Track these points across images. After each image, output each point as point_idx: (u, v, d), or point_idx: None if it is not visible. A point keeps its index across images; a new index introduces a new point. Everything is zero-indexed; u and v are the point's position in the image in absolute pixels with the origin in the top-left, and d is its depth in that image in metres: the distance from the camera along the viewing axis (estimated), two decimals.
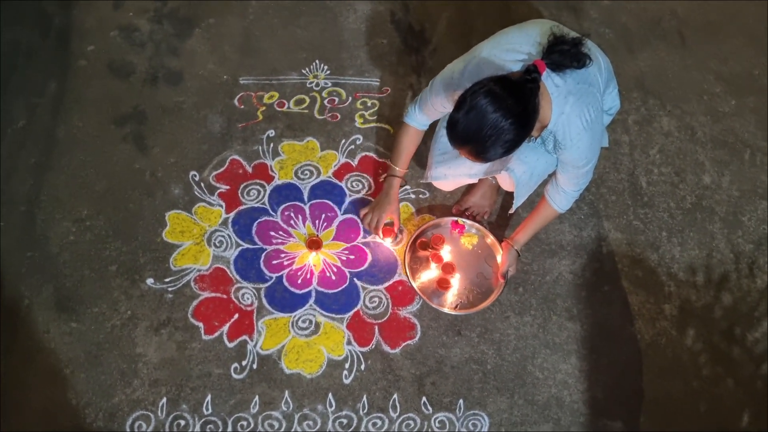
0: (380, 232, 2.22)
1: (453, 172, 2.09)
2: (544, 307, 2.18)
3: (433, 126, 2.12)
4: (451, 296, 2.19)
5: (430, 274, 2.22)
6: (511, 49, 1.74)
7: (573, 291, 2.21)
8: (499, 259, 2.20)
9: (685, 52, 2.80)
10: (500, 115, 1.54)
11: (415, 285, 2.17)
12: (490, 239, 2.26)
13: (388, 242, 2.26)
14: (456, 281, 2.21)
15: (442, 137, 2.07)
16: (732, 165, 2.51)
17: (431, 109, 1.94)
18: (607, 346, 2.13)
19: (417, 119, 2.03)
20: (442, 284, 2.19)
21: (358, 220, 2.29)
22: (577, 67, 1.68)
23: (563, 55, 1.65)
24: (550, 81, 1.66)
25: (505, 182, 2.05)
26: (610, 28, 2.85)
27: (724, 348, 2.14)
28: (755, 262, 2.29)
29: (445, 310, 2.14)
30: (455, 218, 2.29)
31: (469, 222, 2.29)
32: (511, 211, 2.13)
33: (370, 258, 2.24)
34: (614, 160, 2.49)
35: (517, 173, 1.94)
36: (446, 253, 2.25)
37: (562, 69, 1.67)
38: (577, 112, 1.69)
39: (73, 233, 2.22)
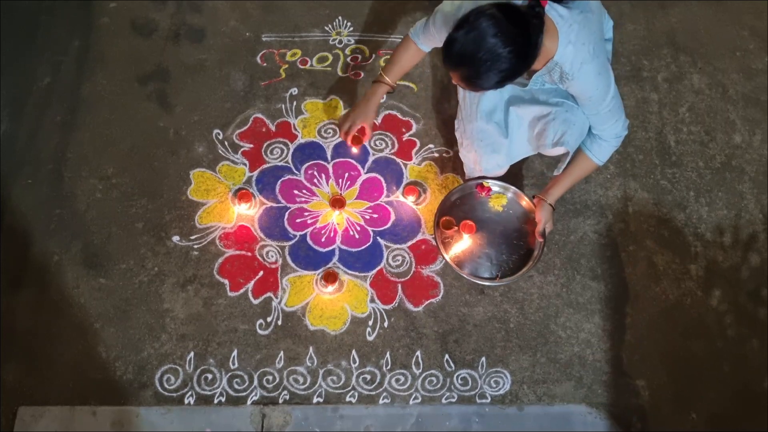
0: (348, 139, 2.15)
1: (503, 158, 2.05)
2: (568, 267, 2.17)
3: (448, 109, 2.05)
4: (491, 266, 2.13)
5: (463, 244, 2.16)
6: None
7: (597, 251, 2.20)
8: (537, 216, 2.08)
9: (719, 6, 2.71)
10: (500, 41, 1.48)
11: (450, 261, 2.10)
12: (523, 198, 2.18)
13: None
14: (485, 243, 2.15)
15: (471, 124, 2.02)
16: (764, 124, 2.45)
17: (433, 37, 1.88)
18: (630, 306, 2.12)
19: (420, 39, 1.96)
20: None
21: (382, 180, 2.29)
22: None
23: None
24: (555, 12, 1.60)
25: (557, 151, 1.97)
26: None
27: (750, 309, 2.12)
28: None
29: (488, 283, 2.10)
30: (479, 181, 2.20)
31: (495, 182, 2.20)
32: (557, 173, 2.04)
33: (393, 217, 2.24)
34: (642, 118, 2.44)
35: (571, 144, 1.89)
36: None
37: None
38: (583, 40, 1.63)
39: (100, 191, 2.25)
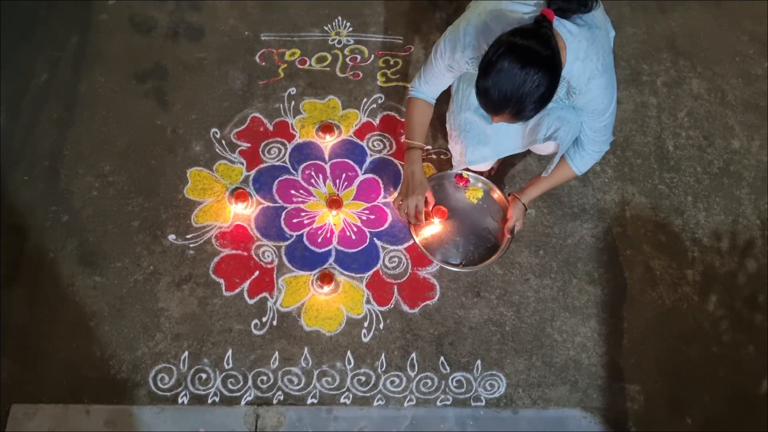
0: (422, 218, 2.06)
1: (489, 151, 2.05)
2: (565, 270, 2.17)
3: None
4: (457, 253, 2.16)
5: (433, 229, 2.20)
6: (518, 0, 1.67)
7: (594, 254, 2.20)
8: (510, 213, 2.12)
9: (718, 11, 2.72)
10: (530, 69, 1.49)
11: (419, 243, 2.14)
12: (498, 194, 2.22)
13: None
14: (455, 232, 2.18)
15: (460, 114, 2.05)
16: (762, 129, 2.45)
17: (438, 76, 1.89)
18: (627, 311, 2.12)
19: (423, 91, 1.97)
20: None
21: (379, 181, 2.28)
22: (585, 11, 1.63)
23: (567, 0, 1.60)
24: (563, 28, 1.60)
25: (546, 148, 2.02)
26: None
27: (746, 315, 2.12)
28: None
29: (451, 268, 2.12)
30: (459, 171, 2.24)
31: (473, 175, 2.24)
32: (545, 174, 2.05)
33: (390, 218, 2.23)
34: (641, 123, 2.44)
35: (563, 140, 1.90)
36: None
37: (571, 14, 1.61)
38: (591, 56, 1.64)
39: (96, 188, 2.24)
